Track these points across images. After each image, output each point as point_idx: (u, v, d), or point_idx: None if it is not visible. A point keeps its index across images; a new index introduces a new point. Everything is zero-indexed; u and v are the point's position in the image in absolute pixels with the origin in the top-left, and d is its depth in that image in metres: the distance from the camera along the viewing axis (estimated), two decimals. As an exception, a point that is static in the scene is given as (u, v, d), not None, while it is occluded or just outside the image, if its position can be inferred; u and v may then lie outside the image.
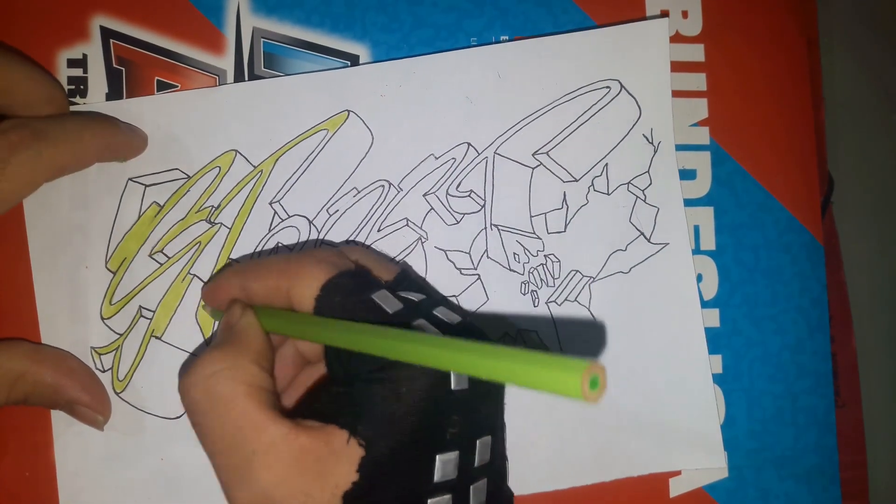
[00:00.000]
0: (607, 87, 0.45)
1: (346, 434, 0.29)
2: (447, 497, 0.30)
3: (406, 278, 0.36)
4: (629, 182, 0.45)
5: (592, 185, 0.44)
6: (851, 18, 0.54)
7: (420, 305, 0.33)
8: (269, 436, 0.29)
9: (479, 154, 0.44)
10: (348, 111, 0.43)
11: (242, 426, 0.30)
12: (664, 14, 0.46)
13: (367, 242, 0.43)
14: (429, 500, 0.30)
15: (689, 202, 0.46)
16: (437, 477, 0.30)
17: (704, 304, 0.46)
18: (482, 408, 0.32)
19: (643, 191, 0.45)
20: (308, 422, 0.30)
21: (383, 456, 0.29)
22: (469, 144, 0.44)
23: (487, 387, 0.32)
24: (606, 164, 0.45)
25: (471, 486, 0.31)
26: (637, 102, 0.45)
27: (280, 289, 0.33)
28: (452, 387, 0.30)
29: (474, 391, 0.31)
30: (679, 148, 0.46)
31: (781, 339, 0.46)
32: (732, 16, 0.47)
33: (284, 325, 0.33)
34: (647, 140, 0.45)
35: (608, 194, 0.45)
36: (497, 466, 0.33)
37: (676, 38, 0.47)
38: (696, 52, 0.47)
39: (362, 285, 0.33)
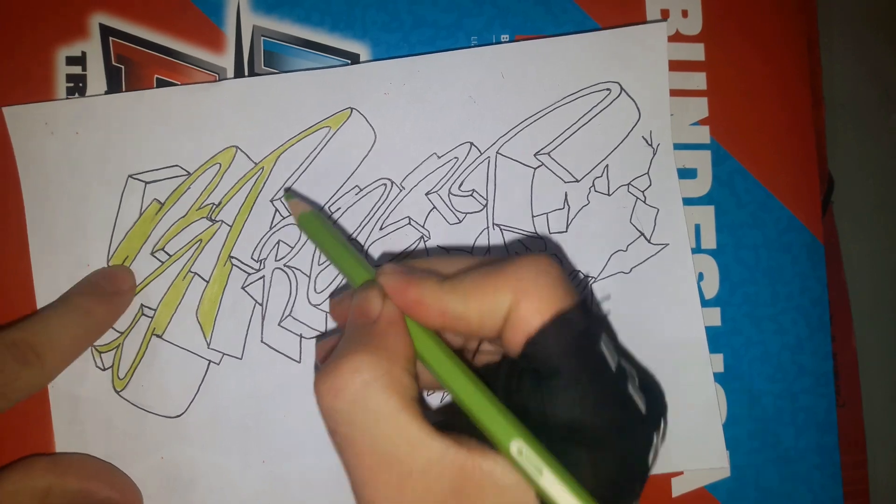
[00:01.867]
0: (608, 89, 0.45)
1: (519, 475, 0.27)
2: None
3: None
4: (629, 183, 0.45)
5: (593, 185, 0.44)
6: (851, 18, 0.54)
7: (623, 360, 0.30)
8: (425, 455, 0.27)
9: (481, 154, 0.44)
10: (351, 109, 0.43)
11: (400, 442, 0.27)
12: (664, 13, 0.46)
13: (369, 241, 0.43)
14: None
15: (689, 201, 0.46)
16: None
17: (705, 304, 0.46)
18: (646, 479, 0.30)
19: (643, 192, 0.45)
20: (465, 439, 0.28)
21: None
22: (472, 144, 0.44)
23: (657, 454, 0.30)
24: (607, 166, 0.45)
25: None
26: (636, 105, 0.45)
27: (497, 308, 0.29)
28: (649, 462, 0.29)
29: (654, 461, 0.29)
30: (680, 147, 0.46)
31: (782, 338, 0.46)
32: (732, 15, 0.47)
33: (428, 352, 0.30)
34: (647, 142, 0.45)
35: (609, 195, 0.45)
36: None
37: (677, 38, 0.47)
38: (697, 52, 0.47)
39: (589, 325, 0.29)
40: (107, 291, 0.40)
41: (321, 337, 0.42)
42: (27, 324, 0.37)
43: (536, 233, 0.44)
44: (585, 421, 0.27)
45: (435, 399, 0.42)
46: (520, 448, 0.27)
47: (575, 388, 0.27)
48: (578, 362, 0.28)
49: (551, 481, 0.26)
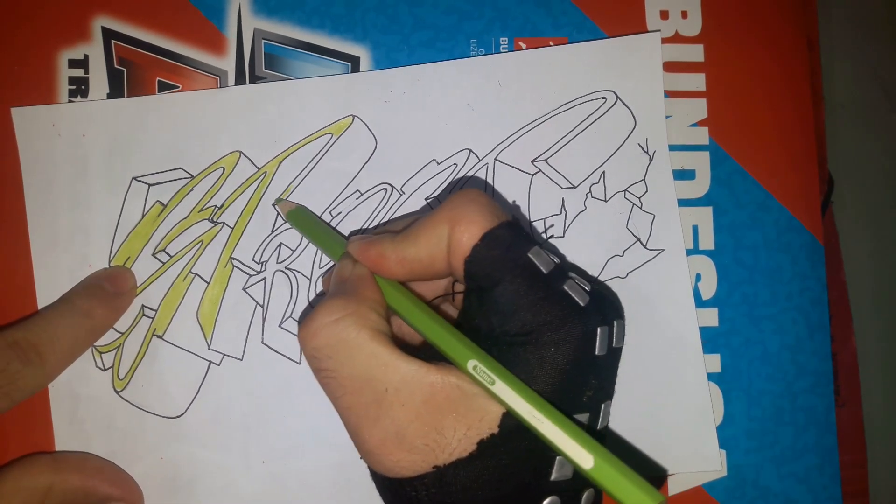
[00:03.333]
0: (603, 97, 0.45)
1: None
2: None
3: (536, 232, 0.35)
4: (626, 189, 0.45)
5: (590, 191, 0.45)
6: (851, 19, 0.54)
7: (563, 265, 0.33)
8: (400, 373, 0.30)
9: (479, 160, 0.44)
10: (353, 116, 0.44)
11: (372, 366, 0.30)
12: (663, 14, 0.46)
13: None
14: (557, 458, 0.30)
15: (688, 202, 0.46)
16: None
17: (703, 304, 0.46)
18: (611, 372, 0.33)
19: (639, 198, 0.45)
20: (437, 362, 0.31)
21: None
22: (470, 151, 0.44)
23: (617, 353, 0.33)
24: (604, 172, 0.45)
25: None
26: (632, 113, 0.45)
27: (440, 241, 0.32)
28: (596, 352, 0.31)
29: (609, 356, 0.32)
30: (678, 148, 0.46)
31: (781, 338, 0.46)
32: (732, 16, 0.47)
33: (394, 300, 0.34)
34: (643, 149, 0.45)
35: (605, 201, 0.45)
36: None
37: (676, 39, 0.47)
38: (696, 53, 0.47)
39: (518, 240, 0.32)
40: (108, 292, 0.41)
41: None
42: (28, 324, 0.38)
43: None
44: (525, 319, 0.30)
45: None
46: (474, 365, 0.30)
47: (510, 293, 0.31)
48: (510, 270, 0.31)
49: (502, 388, 0.29)
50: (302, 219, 0.41)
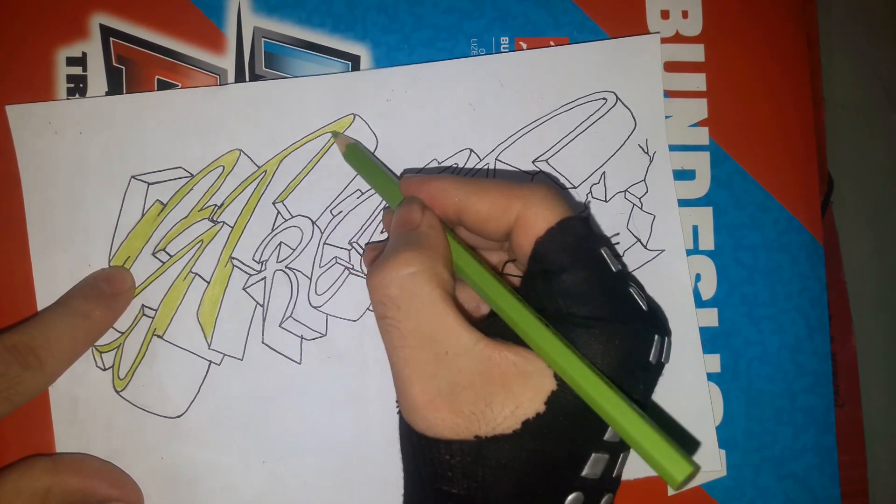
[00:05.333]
0: (604, 98, 0.45)
1: (540, 362, 0.30)
2: (606, 456, 0.31)
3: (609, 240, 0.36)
4: (626, 190, 0.45)
5: (591, 192, 0.45)
6: (851, 19, 0.54)
7: (628, 274, 0.34)
8: (462, 340, 0.31)
9: (480, 160, 0.44)
10: (354, 115, 0.44)
11: (439, 326, 0.31)
12: (664, 14, 0.46)
13: (371, 244, 0.43)
14: (592, 455, 0.30)
15: (688, 202, 0.46)
16: (607, 436, 0.31)
17: (703, 304, 0.46)
18: (653, 385, 0.33)
19: (640, 199, 0.45)
20: (497, 339, 0.31)
21: (571, 400, 0.30)
22: (471, 150, 0.44)
23: (661, 369, 0.33)
24: (604, 173, 0.45)
25: (620, 454, 0.32)
26: (632, 114, 0.45)
27: (509, 209, 0.33)
28: (650, 358, 0.31)
29: (657, 369, 0.32)
30: (678, 148, 0.46)
31: (780, 338, 0.46)
32: (732, 16, 0.47)
33: (465, 262, 0.34)
34: (643, 150, 0.45)
35: (606, 201, 0.45)
36: None
37: (676, 39, 0.47)
38: (696, 53, 0.47)
39: (592, 235, 0.33)
40: (106, 293, 0.41)
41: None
42: (27, 327, 0.38)
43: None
44: (595, 304, 0.31)
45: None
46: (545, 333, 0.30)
47: (581, 281, 0.31)
48: (582, 259, 0.32)
49: (567, 358, 0.29)
50: (359, 155, 0.41)
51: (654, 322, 0.32)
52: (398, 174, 0.44)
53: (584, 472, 0.30)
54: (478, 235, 0.36)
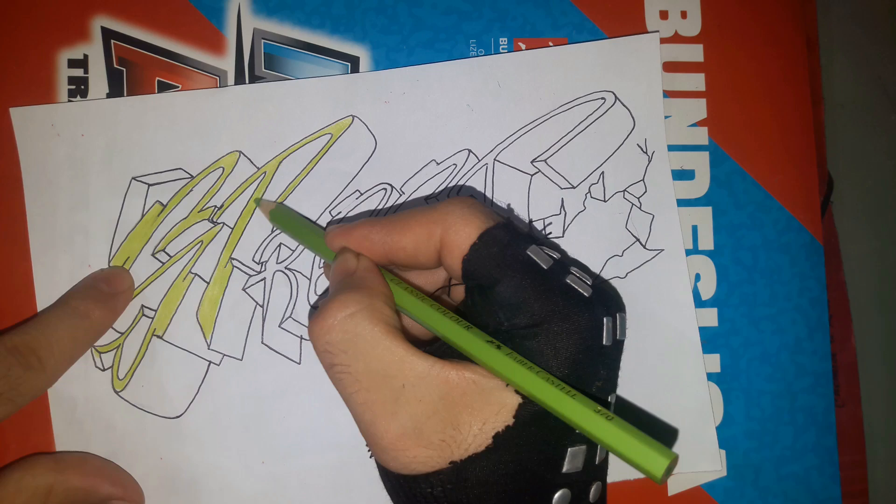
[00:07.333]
0: (602, 98, 0.45)
1: (498, 379, 0.30)
2: (583, 448, 0.31)
3: (537, 233, 0.36)
4: (625, 190, 0.45)
5: (589, 192, 0.45)
6: (851, 18, 0.54)
7: (563, 263, 0.33)
8: (416, 369, 0.30)
9: (479, 160, 0.44)
10: (352, 116, 0.44)
11: (389, 361, 0.31)
12: (663, 14, 0.46)
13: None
14: (569, 449, 0.30)
15: (687, 202, 0.46)
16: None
17: (702, 304, 0.46)
18: (616, 364, 0.33)
19: (638, 198, 0.45)
20: (451, 359, 0.31)
21: (537, 407, 0.29)
22: (470, 151, 0.44)
23: (621, 346, 0.33)
24: (603, 173, 0.45)
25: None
26: (631, 113, 0.45)
27: (431, 237, 0.33)
28: (604, 342, 0.31)
29: (615, 348, 0.32)
30: (678, 148, 0.46)
31: (780, 338, 0.46)
32: (731, 16, 0.47)
33: (401, 296, 0.34)
34: (642, 150, 0.45)
35: (605, 201, 0.45)
36: None
37: (675, 39, 0.47)
38: (695, 53, 0.47)
39: (515, 239, 0.33)
40: (105, 293, 0.41)
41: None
42: (27, 328, 0.38)
43: (535, 235, 0.44)
44: (533, 311, 0.31)
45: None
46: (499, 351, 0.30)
47: (514, 290, 0.31)
48: (511, 268, 0.32)
49: (522, 374, 0.29)
50: (285, 217, 0.41)
51: (598, 305, 0.32)
52: (392, 183, 0.44)
53: (564, 469, 0.30)
54: (414, 269, 0.36)
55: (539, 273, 0.32)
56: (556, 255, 0.33)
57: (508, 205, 0.44)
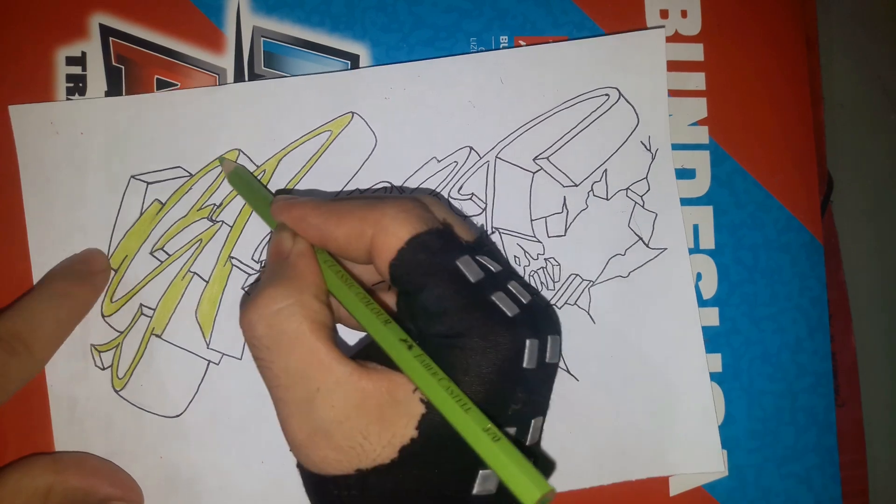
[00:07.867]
0: (606, 94, 0.45)
1: (412, 386, 0.30)
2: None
3: (484, 243, 0.35)
4: (628, 188, 0.45)
5: (592, 190, 0.45)
6: (851, 18, 0.54)
7: (498, 277, 0.32)
8: (334, 375, 0.30)
9: (480, 158, 0.44)
10: (352, 113, 0.43)
11: (308, 363, 0.30)
12: (663, 14, 0.46)
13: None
14: (480, 472, 0.30)
15: (688, 201, 0.46)
16: None
17: (703, 304, 0.46)
18: (542, 388, 0.32)
19: (641, 196, 0.45)
20: (371, 365, 0.31)
21: (441, 422, 0.29)
22: (471, 148, 0.44)
23: (550, 369, 0.32)
24: (605, 170, 0.45)
25: None
26: (635, 110, 0.45)
27: (363, 235, 0.32)
28: (524, 364, 0.30)
29: (541, 371, 0.31)
30: (678, 147, 0.46)
31: (781, 338, 0.46)
32: (731, 15, 0.47)
33: (335, 286, 0.33)
34: (645, 147, 0.45)
35: (607, 199, 0.45)
36: (540, 449, 0.33)
37: (676, 38, 0.47)
38: (696, 52, 0.47)
39: (448, 247, 0.32)
40: (83, 272, 0.41)
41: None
42: (9, 314, 0.38)
43: (535, 236, 0.44)
44: (451, 322, 0.30)
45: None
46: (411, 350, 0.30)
47: (436, 299, 0.31)
48: (436, 276, 0.31)
49: (424, 378, 0.29)
50: (242, 180, 0.41)
51: (522, 326, 0.31)
52: (393, 181, 0.43)
53: (475, 491, 0.30)
54: (348, 261, 0.35)
55: (464, 285, 0.31)
56: (493, 268, 0.32)
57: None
